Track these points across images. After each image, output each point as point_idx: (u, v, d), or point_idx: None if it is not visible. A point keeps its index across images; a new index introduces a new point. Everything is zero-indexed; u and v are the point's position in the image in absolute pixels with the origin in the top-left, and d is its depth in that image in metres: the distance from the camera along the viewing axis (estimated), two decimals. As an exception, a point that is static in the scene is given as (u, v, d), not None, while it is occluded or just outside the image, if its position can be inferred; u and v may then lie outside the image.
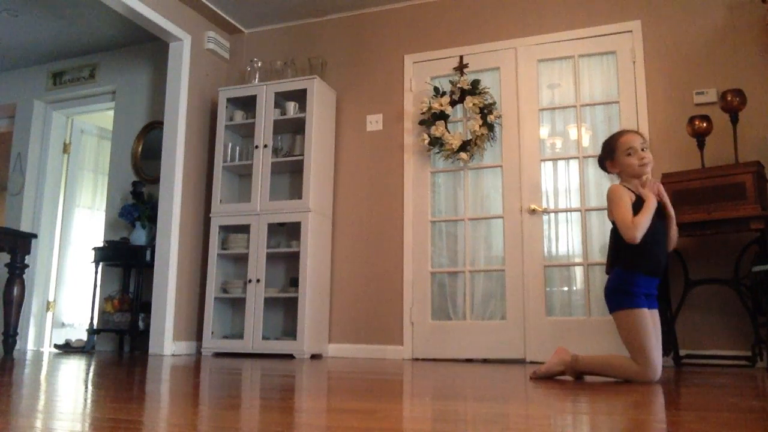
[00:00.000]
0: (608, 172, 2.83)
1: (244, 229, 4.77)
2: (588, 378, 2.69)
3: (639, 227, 2.50)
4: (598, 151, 4.26)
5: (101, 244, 5.29)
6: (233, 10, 5.16)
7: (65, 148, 6.13)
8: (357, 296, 4.70)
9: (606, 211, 4.20)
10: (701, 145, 3.73)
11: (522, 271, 4.25)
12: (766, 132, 3.86)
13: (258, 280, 4.58)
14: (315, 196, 4.64)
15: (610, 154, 2.72)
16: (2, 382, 2.31)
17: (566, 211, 4.31)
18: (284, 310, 4.79)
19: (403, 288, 4.57)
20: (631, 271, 2.57)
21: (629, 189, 2.64)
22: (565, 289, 4.28)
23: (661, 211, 2.61)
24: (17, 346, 4.59)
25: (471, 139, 4.47)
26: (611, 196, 2.62)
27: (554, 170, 4.39)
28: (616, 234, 2.64)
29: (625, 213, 2.54)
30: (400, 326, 4.53)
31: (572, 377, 2.65)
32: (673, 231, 2.68)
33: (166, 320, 4.59)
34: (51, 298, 5.87)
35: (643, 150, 2.64)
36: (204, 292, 4.81)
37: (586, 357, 2.64)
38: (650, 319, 2.52)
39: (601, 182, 4.27)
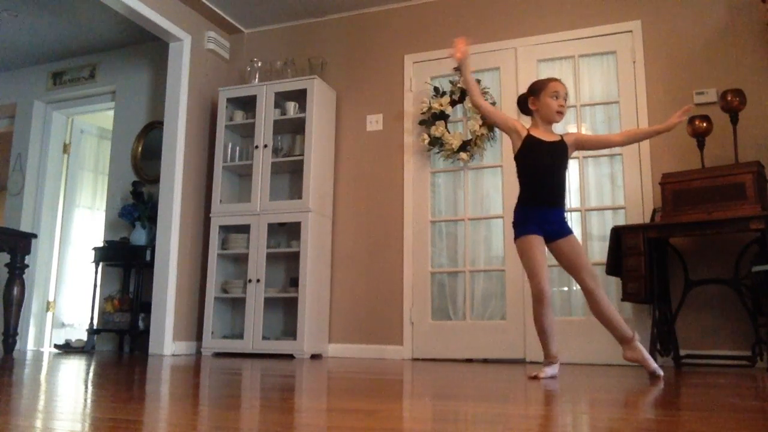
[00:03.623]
0: (523, 110, 2.97)
1: (244, 229, 4.77)
2: (588, 375, 2.69)
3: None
4: (599, 151, 4.30)
5: (101, 244, 5.29)
6: (233, 10, 5.16)
7: (65, 148, 6.13)
8: (357, 296, 4.70)
9: (606, 212, 4.21)
10: (701, 145, 3.73)
11: (522, 271, 4.23)
12: (766, 132, 3.86)
13: (258, 280, 4.58)
14: (315, 196, 4.64)
15: (536, 93, 2.88)
16: (2, 382, 2.31)
17: (566, 211, 4.30)
18: (284, 310, 4.79)
19: (403, 288, 4.57)
20: (518, 204, 2.87)
21: (531, 128, 2.87)
22: (565, 289, 4.27)
23: (555, 153, 2.83)
24: (17, 346, 4.58)
25: (471, 139, 4.47)
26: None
27: (554, 170, 4.38)
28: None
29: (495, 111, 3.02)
30: (400, 326, 4.53)
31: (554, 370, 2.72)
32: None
33: (166, 320, 4.59)
34: (51, 298, 5.86)
35: (565, 100, 2.86)
36: (204, 292, 4.81)
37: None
38: (535, 244, 2.76)
39: (601, 182, 4.28)
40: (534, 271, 2.73)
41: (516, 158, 2.89)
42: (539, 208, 2.82)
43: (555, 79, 2.90)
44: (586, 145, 3.03)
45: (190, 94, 4.97)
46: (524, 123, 2.96)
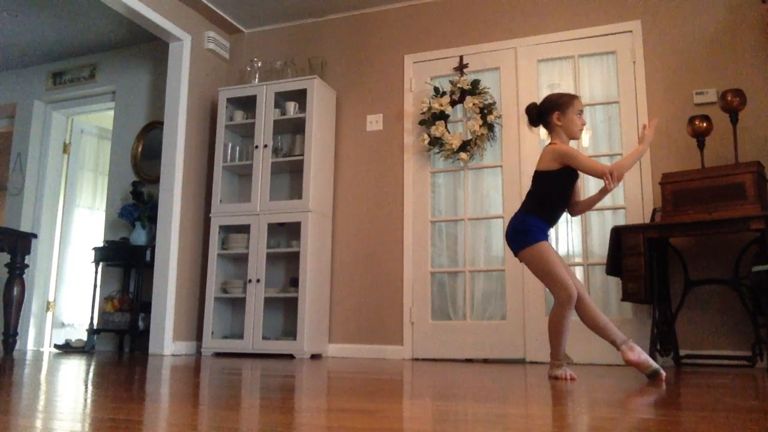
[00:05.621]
0: (539, 123, 2.91)
1: (244, 229, 4.77)
2: (588, 375, 2.68)
3: (625, 167, 2.74)
4: (599, 151, 4.30)
5: (101, 244, 5.29)
6: (233, 10, 5.16)
7: (65, 148, 6.13)
8: (357, 296, 4.70)
9: (606, 212, 4.20)
10: (701, 145, 3.73)
11: (522, 271, 4.24)
12: (766, 132, 3.86)
13: (258, 280, 4.58)
14: (315, 196, 4.64)
15: (562, 108, 2.83)
16: (2, 382, 2.31)
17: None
18: (284, 310, 4.79)
19: (403, 288, 4.57)
20: (532, 214, 2.78)
21: None
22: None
23: (573, 176, 2.81)
24: (17, 346, 4.59)
25: (471, 139, 4.47)
26: (567, 151, 2.76)
27: (554, 170, 4.38)
28: (537, 182, 2.83)
29: (591, 160, 2.82)
30: (400, 326, 4.53)
31: (568, 371, 2.68)
32: (592, 200, 2.91)
33: (166, 320, 4.59)
34: (51, 298, 5.86)
35: None
36: (204, 292, 4.81)
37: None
38: (553, 250, 2.74)
39: (600, 183, 4.26)
40: (563, 275, 2.67)
41: (548, 176, 2.79)
42: (550, 226, 2.84)
43: (578, 96, 2.91)
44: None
45: (190, 94, 4.97)
46: (533, 133, 2.94)
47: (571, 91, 4.35)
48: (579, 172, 2.81)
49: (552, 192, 2.80)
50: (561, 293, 2.67)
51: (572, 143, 2.94)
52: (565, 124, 2.81)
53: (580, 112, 2.84)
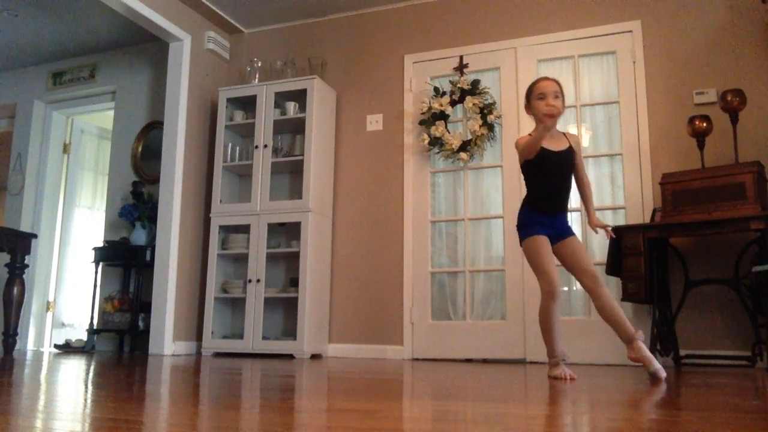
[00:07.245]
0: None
1: (244, 229, 4.77)
2: (588, 375, 2.69)
3: (523, 146, 2.80)
4: (599, 151, 4.32)
5: (101, 244, 5.29)
6: (233, 10, 5.16)
7: (65, 148, 6.13)
8: (357, 296, 4.70)
9: (606, 212, 4.20)
10: (701, 145, 3.73)
11: (522, 271, 4.25)
12: (766, 132, 3.86)
13: (258, 280, 4.58)
14: (315, 196, 4.64)
15: (527, 100, 2.89)
16: (2, 382, 2.31)
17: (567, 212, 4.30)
18: (284, 310, 4.79)
19: (403, 288, 4.57)
20: (525, 208, 2.89)
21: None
22: (565, 289, 4.27)
23: (564, 162, 2.83)
24: (17, 346, 4.58)
25: (471, 139, 4.47)
26: (515, 144, 2.92)
27: (554, 170, 4.38)
28: (523, 177, 2.93)
29: (523, 142, 2.85)
30: (400, 326, 4.53)
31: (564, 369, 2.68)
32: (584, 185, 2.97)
33: (166, 320, 4.59)
34: (51, 298, 5.86)
35: (556, 98, 2.78)
36: (204, 292, 4.81)
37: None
38: (543, 243, 2.77)
39: (601, 182, 4.27)
40: (544, 268, 2.73)
41: (523, 168, 2.86)
42: (544, 215, 2.84)
43: (541, 79, 2.87)
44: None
45: (190, 94, 4.97)
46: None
47: (572, 92, 4.36)
48: (573, 155, 2.87)
49: (534, 181, 2.87)
50: (543, 285, 2.76)
51: (573, 130, 2.92)
52: (534, 113, 2.84)
53: (542, 95, 2.77)
